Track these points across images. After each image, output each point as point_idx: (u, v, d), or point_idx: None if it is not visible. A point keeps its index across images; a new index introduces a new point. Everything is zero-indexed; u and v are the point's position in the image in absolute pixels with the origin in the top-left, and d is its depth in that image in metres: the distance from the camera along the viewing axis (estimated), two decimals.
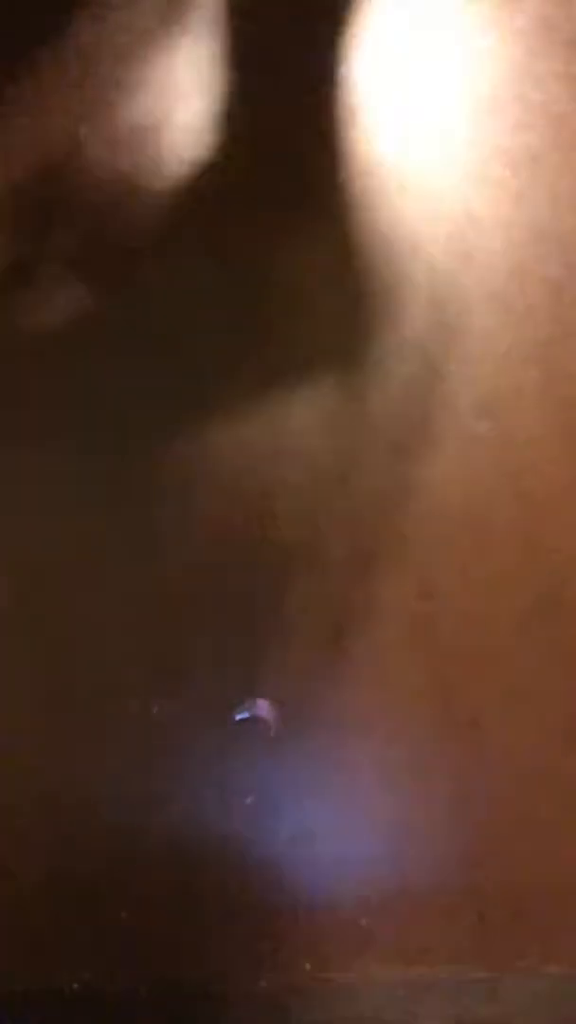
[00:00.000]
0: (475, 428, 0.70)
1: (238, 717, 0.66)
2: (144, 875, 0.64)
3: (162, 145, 0.75)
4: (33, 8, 0.79)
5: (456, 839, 0.63)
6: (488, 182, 0.74)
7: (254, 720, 0.66)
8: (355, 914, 0.63)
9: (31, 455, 0.71)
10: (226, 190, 0.75)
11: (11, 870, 0.64)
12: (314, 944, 0.62)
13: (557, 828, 0.63)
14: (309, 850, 0.64)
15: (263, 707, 0.66)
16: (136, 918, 0.63)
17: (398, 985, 0.62)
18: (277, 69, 0.77)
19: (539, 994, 0.61)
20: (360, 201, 0.74)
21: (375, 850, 0.63)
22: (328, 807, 0.64)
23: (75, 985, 0.62)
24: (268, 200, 0.75)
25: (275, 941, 0.62)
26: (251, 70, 0.77)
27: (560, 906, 0.62)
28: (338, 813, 0.64)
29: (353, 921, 0.63)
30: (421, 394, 0.70)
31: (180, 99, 0.76)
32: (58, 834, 0.65)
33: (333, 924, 0.63)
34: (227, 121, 0.75)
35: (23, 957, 0.63)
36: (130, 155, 0.76)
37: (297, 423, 0.70)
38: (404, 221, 0.73)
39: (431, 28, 0.77)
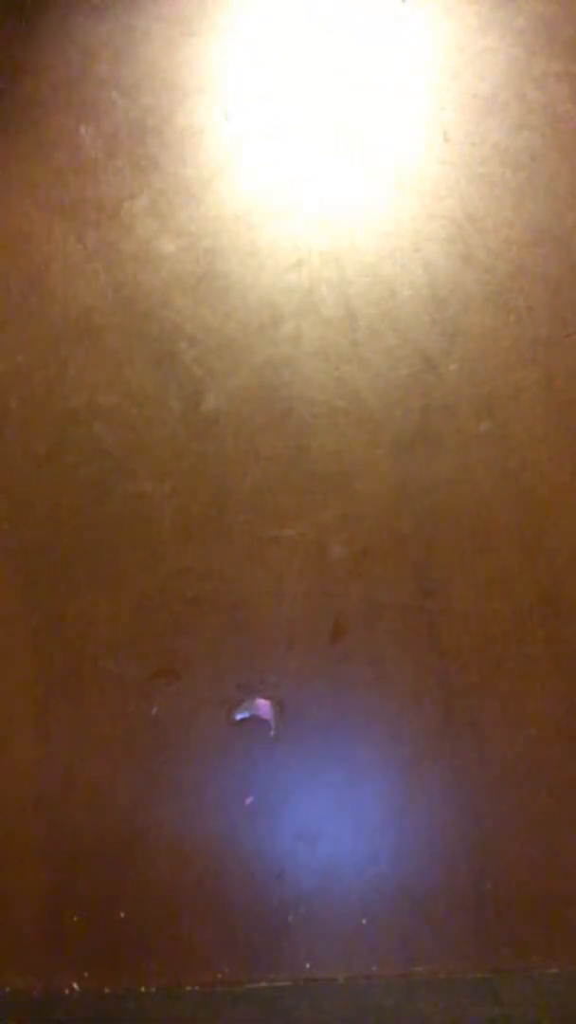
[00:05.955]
0: (475, 428, 0.70)
1: (238, 717, 0.66)
2: (144, 875, 0.64)
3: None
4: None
5: (456, 839, 0.63)
6: (488, 182, 0.74)
7: (254, 720, 0.65)
8: (355, 914, 0.63)
9: None
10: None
11: (10, 870, 0.64)
12: (314, 944, 0.62)
13: (557, 828, 0.63)
14: (309, 850, 0.64)
15: (263, 707, 0.66)
16: (136, 918, 0.63)
17: (398, 985, 0.62)
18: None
19: (539, 994, 0.61)
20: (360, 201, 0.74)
21: (375, 850, 0.63)
22: (328, 807, 0.64)
23: (75, 985, 0.62)
24: None
25: (275, 941, 0.62)
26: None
27: (560, 906, 0.62)
28: (338, 813, 0.64)
29: (353, 921, 0.63)
30: (421, 394, 0.70)
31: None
32: (57, 834, 0.65)
33: (333, 924, 0.63)
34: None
35: (22, 957, 0.63)
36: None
37: (296, 423, 0.71)
38: (404, 221, 0.73)
39: (430, 27, 0.77)
